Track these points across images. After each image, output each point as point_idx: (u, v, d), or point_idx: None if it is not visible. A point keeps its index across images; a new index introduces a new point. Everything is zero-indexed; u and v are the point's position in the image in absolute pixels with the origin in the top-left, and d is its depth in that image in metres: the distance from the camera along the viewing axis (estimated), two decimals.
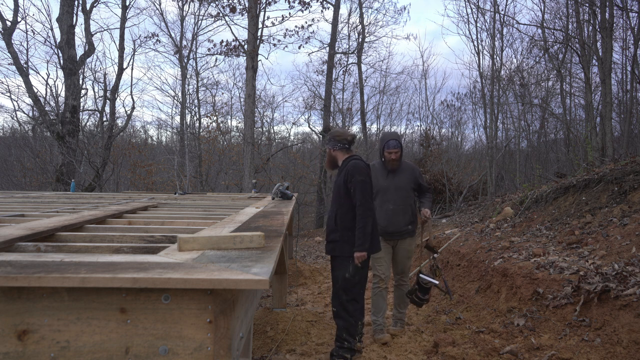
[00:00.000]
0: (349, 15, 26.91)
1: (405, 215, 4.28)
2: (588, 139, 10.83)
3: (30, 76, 13.72)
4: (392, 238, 4.29)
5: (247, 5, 13.35)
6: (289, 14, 22.38)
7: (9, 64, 17.50)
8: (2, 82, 27.68)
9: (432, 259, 4.35)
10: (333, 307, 3.70)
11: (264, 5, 13.84)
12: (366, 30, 19.12)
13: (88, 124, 18.88)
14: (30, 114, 17.30)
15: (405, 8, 30.52)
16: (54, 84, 30.46)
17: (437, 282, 4.12)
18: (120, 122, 18.27)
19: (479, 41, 19.75)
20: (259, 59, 13.58)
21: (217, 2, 13.85)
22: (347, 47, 19.54)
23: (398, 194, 4.28)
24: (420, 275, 4.17)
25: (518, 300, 4.23)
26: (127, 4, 15.78)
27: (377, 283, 4.33)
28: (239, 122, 22.22)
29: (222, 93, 38.49)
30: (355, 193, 3.56)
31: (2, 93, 33.51)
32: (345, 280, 3.58)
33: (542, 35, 13.93)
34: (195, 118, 20.55)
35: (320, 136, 18.78)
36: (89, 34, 14.59)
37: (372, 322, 4.34)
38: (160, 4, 23.73)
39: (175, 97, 21.17)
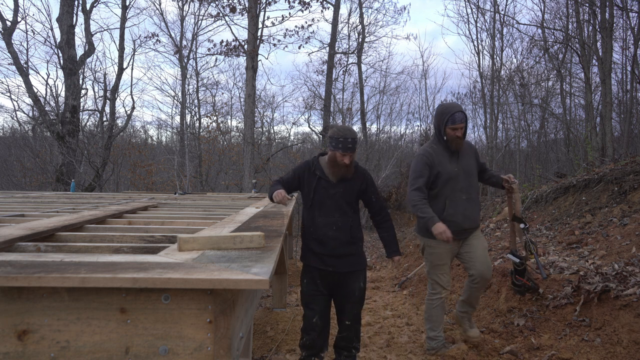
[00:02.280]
0: (349, 15, 26.92)
1: (478, 205, 3.62)
2: (588, 139, 10.84)
3: (30, 76, 13.73)
4: (463, 236, 3.58)
5: (247, 5, 13.34)
6: (289, 14, 22.37)
7: (9, 64, 17.52)
8: (2, 82, 27.69)
9: (524, 231, 3.74)
10: (347, 320, 3.32)
11: (264, 5, 13.84)
12: (366, 30, 19.14)
13: (88, 124, 18.88)
14: (30, 114, 17.32)
15: (405, 8, 30.53)
16: (54, 84, 30.51)
17: (530, 259, 3.70)
18: (120, 122, 18.28)
19: (479, 41, 19.77)
20: (259, 59, 13.57)
21: (217, 2, 13.85)
22: (347, 47, 19.56)
23: (469, 181, 3.54)
24: (510, 255, 3.83)
25: (518, 300, 4.23)
26: (127, 4, 15.78)
27: (439, 294, 3.63)
28: (239, 122, 22.24)
29: (222, 93, 38.54)
30: (377, 199, 3.35)
31: (2, 93, 33.52)
32: (362, 289, 3.32)
33: (542, 35, 13.94)
34: (195, 118, 20.57)
35: (320, 136, 18.77)
36: (89, 34, 14.59)
37: (432, 338, 3.69)
38: (160, 4, 23.73)
39: (175, 97, 21.19)
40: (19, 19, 13.88)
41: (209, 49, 18.46)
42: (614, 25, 11.28)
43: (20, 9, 13.97)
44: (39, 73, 53.64)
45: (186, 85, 19.64)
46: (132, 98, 25.45)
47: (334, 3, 17.71)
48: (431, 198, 3.54)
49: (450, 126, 3.41)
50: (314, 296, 3.25)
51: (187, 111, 19.95)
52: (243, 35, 20.63)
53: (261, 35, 13.72)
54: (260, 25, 13.73)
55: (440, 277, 3.60)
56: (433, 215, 3.37)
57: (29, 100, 15.85)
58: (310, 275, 3.27)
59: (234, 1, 13.59)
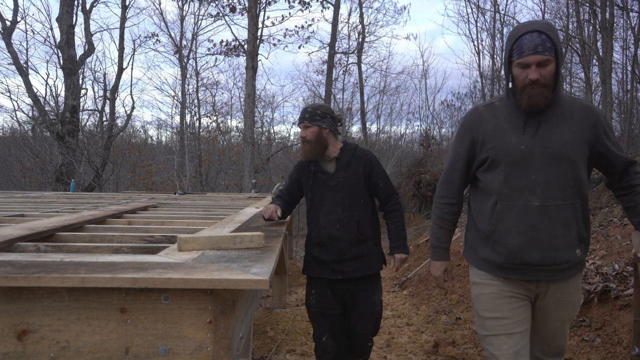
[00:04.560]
0: (349, 15, 26.93)
1: (573, 223, 1.89)
2: None
3: (30, 76, 13.72)
4: (535, 278, 1.93)
5: (247, 5, 13.33)
6: (289, 13, 22.34)
7: (8, 64, 17.46)
8: (2, 82, 27.70)
9: None
10: (369, 342, 2.83)
11: (264, 5, 13.83)
12: (366, 30, 19.12)
13: (88, 123, 18.86)
14: (30, 114, 17.30)
15: (405, 8, 30.50)
16: (54, 83, 30.50)
17: None
18: (120, 122, 18.26)
19: (479, 41, 19.74)
20: (259, 59, 13.56)
21: (217, 2, 13.84)
22: (347, 47, 19.54)
23: (553, 170, 1.87)
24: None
25: None
26: (127, 3, 15.76)
27: None
28: (239, 122, 22.22)
29: (222, 93, 38.53)
30: (385, 183, 2.81)
31: (2, 93, 33.51)
32: (381, 303, 2.82)
33: None
34: (195, 118, 20.54)
35: None
36: (88, 34, 14.58)
37: None
38: (160, 4, 23.78)
39: (175, 97, 21.17)
40: (19, 19, 13.88)
41: (208, 49, 18.45)
42: (615, 25, 11.28)
43: (20, 8, 13.96)
44: (38, 73, 53.75)
45: (186, 85, 19.63)
46: (132, 98, 25.45)
47: (334, 3, 17.69)
48: (477, 197, 2.06)
49: (517, 60, 1.81)
50: (322, 309, 2.76)
51: (187, 111, 19.94)
52: (243, 35, 20.63)
53: (261, 35, 13.71)
54: (260, 25, 13.72)
55: (495, 345, 1.93)
56: (438, 241, 2.18)
57: (28, 100, 15.85)
58: (318, 287, 2.80)
59: (234, 1, 13.59)
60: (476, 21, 18.11)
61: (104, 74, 23.11)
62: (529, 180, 1.86)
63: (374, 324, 2.79)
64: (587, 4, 11.11)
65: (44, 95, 16.97)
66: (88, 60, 15.87)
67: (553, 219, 1.85)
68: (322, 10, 21.95)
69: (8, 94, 17.58)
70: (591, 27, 12.14)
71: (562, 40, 13.68)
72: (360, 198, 2.74)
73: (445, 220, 2.16)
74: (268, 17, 36.91)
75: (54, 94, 17.40)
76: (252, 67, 13.12)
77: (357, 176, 2.74)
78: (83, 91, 16.04)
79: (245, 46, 13.46)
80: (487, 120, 1.96)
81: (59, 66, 14.21)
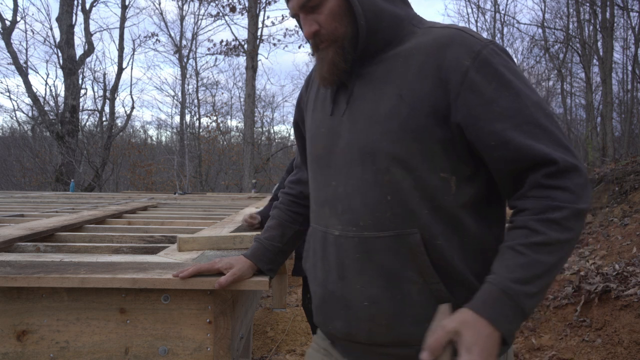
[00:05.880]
0: None
1: (403, 272, 0.98)
2: (589, 139, 10.84)
3: (29, 76, 13.74)
4: (358, 357, 1.08)
5: (247, 5, 13.33)
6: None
7: (8, 64, 17.49)
8: (2, 82, 27.71)
9: None
10: None
11: (263, 5, 13.83)
12: None
13: (87, 123, 18.87)
14: (30, 114, 17.32)
15: None
16: (54, 83, 30.58)
17: None
18: (119, 122, 18.27)
19: None
20: (258, 59, 13.57)
21: (217, 2, 13.85)
22: None
23: (356, 173, 1.01)
24: None
25: None
26: (127, 3, 15.77)
27: None
28: (239, 122, 22.23)
29: (222, 93, 38.51)
30: None
31: (2, 93, 33.52)
32: None
33: (543, 34, 13.94)
34: (195, 118, 20.55)
35: None
36: (88, 34, 14.59)
37: None
38: (159, 4, 23.80)
39: (175, 97, 21.19)
40: (19, 19, 13.89)
41: (208, 49, 18.48)
42: (615, 24, 11.28)
43: (19, 8, 13.97)
44: (38, 73, 53.69)
45: (186, 85, 19.64)
46: (132, 98, 25.48)
47: None
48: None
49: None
50: None
51: (186, 111, 19.95)
52: (243, 35, 20.64)
53: (261, 35, 13.72)
54: (260, 25, 13.72)
55: None
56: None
57: (28, 100, 15.85)
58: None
59: (234, 1, 13.59)
60: (476, 21, 18.13)
61: (104, 74, 23.17)
62: (329, 190, 1.07)
63: None
64: (588, 4, 11.12)
65: (43, 95, 16.99)
66: (88, 60, 15.89)
67: (363, 262, 1.00)
68: None
69: (8, 94, 17.60)
70: (591, 27, 12.14)
71: (562, 40, 13.73)
72: None
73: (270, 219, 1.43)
74: (268, 17, 36.96)
75: (53, 93, 17.43)
76: (252, 67, 13.13)
77: None
78: (83, 91, 16.06)
79: (245, 46, 13.47)
80: (312, 88, 1.22)
81: (58, 66, 14.23)
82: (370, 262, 1.00)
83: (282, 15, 22.54)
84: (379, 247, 0.99)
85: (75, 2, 13.86)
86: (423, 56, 0.97)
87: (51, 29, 18.23)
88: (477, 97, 0.93)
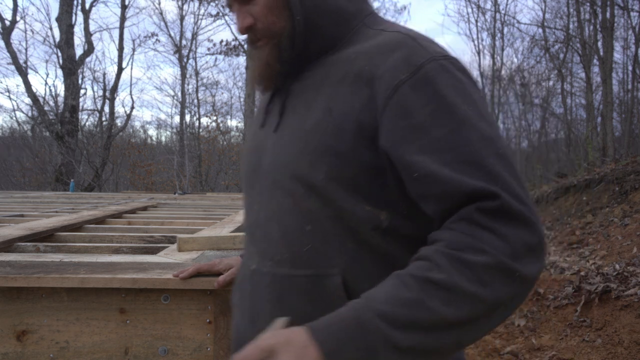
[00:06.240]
0: None
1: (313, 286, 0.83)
2: (589, 139, 10.84)
3: (29, 76, 13.75)
4: None
5: None
6: None
7: (8, 64, 17.47)
8: (1, 82, 27.72)
9: None
10: None
11: None
12: None
13: (87, 123, 18.86)
14: (30, 114, 17.30)
15: (405, 8, 30.56)
16: (53, 83, 30.44)
17: None
18: (119, 122, 18.26)
19: (480, 41, 19.79)
20: None
21: (216, 2, 13.85)
22: None
23: (272, 200, 0.88)
24: None
25: None
26: (127, 3, 15.76)
27: None
28: (239, 122, 22.23)
29: (222, 93, 38.50)
30: None
31: (1, 93, 33.50)
32: None
33: (543, 34, 13.95)
34: (195, 118, 20.54)
35: None
36: (88, 34, 14.58)
37: None
38: (159, 4, 23.77)
39: (175, 97, 21.17)
40: (18, 19, 13.88)
41: (208, 49, 18.49)
42: (615, 24, 11.28)
43: (19, 8, 13.98)
44: (38, 73, 53.57)
45: (186, 85, 19.62)
46: (132, 98, 25.42)
47: None
48: None
49: None
50: None
51: (186, 111, 19.94)
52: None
53: None
54: None
55: None
56: None
57: (28, 100, 15.81)
58: None
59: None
60: (476, 21, 18.13)
61: (104, 74, 23.15)
62: (252, 216, 0.95)
63: None
64: (588, 4, 11.12)
65: (43, 95, 16.96)
66: (87, 60, 15.87)
67: (273, 306, 0.86)
68: None
69: (7, 94, 17.59)
70: (592, 27, 12.14)
71: (562, 39, 13.72)
72: None
73: None
74: None
75: (53, 93, 17.41)
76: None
77: None
78: (82, 91, 16.05)
79: (245, 46, 13.46)
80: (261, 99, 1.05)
81: (58, 66, 14.22)
82: (281, 307, 0.83)
83: None
84: (293, 288, 0.83)
85: (75, 2, 13.86)
86: (361, 63, 0.81)
87: (51, 28, 18.21)
88: (402, 118, 0.75)
